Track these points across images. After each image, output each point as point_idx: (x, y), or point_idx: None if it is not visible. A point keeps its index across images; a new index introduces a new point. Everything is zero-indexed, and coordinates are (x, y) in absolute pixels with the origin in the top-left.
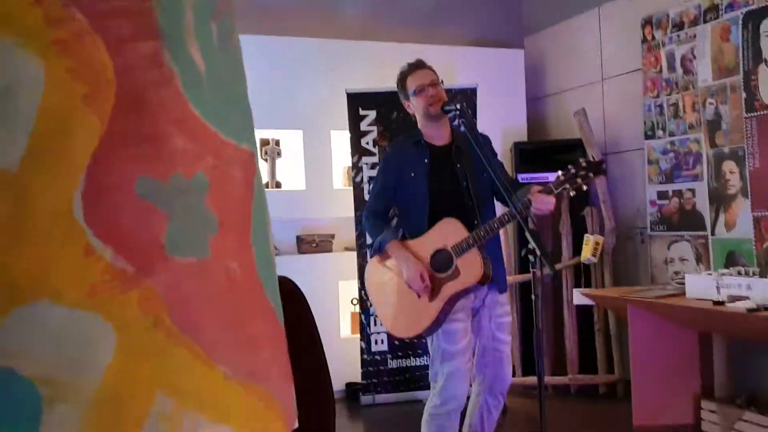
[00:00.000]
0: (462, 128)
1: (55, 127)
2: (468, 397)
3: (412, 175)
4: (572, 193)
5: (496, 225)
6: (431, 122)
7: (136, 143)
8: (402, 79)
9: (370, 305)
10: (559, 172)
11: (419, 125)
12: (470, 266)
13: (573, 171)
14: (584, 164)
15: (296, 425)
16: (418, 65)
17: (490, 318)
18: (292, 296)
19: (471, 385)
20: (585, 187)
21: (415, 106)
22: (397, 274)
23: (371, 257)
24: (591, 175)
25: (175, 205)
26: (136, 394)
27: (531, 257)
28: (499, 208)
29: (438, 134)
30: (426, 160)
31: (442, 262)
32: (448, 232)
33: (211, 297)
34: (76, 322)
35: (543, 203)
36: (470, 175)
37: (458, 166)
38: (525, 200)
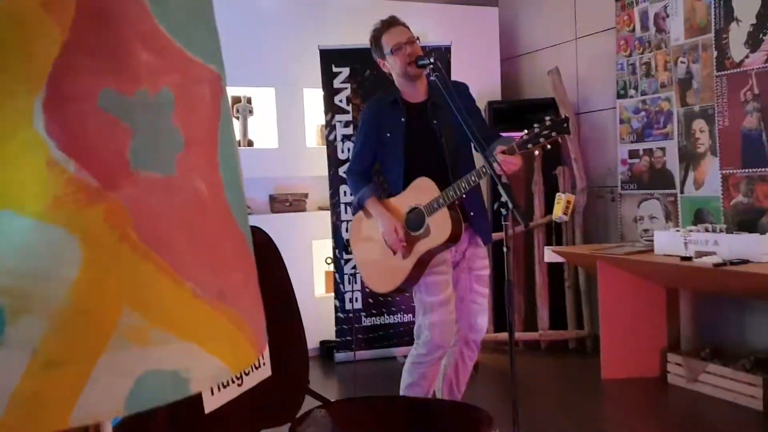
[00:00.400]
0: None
1: (14, 32)
2: None
3: (389, 135)
4: (536, 153)
5: (464, 185)
6: (409, 81)
7: (100, 55)
8: (376, 37)
9: (346, 264)
10: (525, 132)
11: (396, 83)
12: (440, 226)
13: (537, 130)
14: (548, 123)
15: (266, 349)
16: (392, 22)
17: (470, 270)
18: (265, 248)
19: (452, 338)
20: (549, 146)
21: (391, 65)
22: (375, 230)
23: (354, 214)
24: (554, 134)
25: (139, 121)
26: (103, 307)
27: (503, 210)
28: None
29: (415, 92)
30: (402, 119)
31: (415, 221)
32: (422, 191)
33: (178, 214)
34: (40, 233)
35: (507, 163)
36: (447, 131)
37: (435, 122)
38: (488, 163)
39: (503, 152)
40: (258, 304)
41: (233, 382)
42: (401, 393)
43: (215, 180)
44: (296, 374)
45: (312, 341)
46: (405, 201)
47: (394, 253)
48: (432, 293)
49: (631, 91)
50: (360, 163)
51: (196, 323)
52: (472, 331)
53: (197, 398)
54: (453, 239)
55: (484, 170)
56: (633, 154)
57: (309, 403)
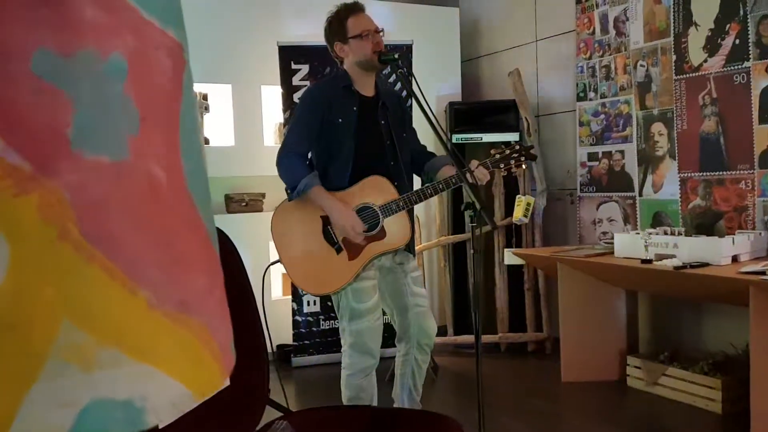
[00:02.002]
0: (397, 82)
1: None
2: (393, 358)
3: (340, 120)
4: (503, 173)
5: (429, 191)
6: (365, 72)
7: (34, 4)
8: (341, 19)
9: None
10: (493, 151)
11: (349, 72)
12: (399, 229)
13: (508, 152)
14: (518, 147)
15: (232, 365)
16: (360, 8)
17: (405, 274)
18: (225, 250)
19: (380, 345)
20: (515, 170)
21: (353, 50)
22: (312, 224)
23: (289, 200)
24: (523, 159)
25: (82, 90)
26: (36, 321)
27: (470, 212)
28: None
29: (367, 85)
30: (355, 108)
31: (367, 221)
32: (377, 190)
33: (130, 205)
34: None
35: (482, 175)
36: (394, 133)
37: (383, 122)
38: (462, 172)
39: (481, 165)
40: (225, 313)
41: None
42: None
43: (175, 166)
44: (256, 384)
45: (270, 345)
46: (353, 197)
47: (338, 252)
48: (360, 300)
49: (591, 94)
50: (301, 145)
51: (153, 340)
52: (423, 335)
53: None
54: (407, 244)
55: (453, 180)
56: (592, 156)
57: (270, 414)
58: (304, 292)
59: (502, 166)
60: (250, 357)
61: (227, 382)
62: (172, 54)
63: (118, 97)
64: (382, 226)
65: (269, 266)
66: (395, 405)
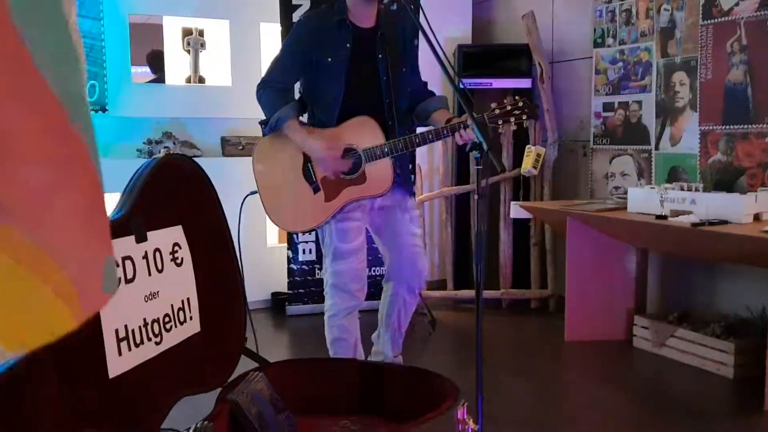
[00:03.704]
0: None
1: None
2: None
3: (329, 60)
4: (500, 131)
5: (417, 141)
6: (364, 1)
7: None
8: None
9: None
10: (494, 105)
11: (349, 4)
12: (380, 176)
13: (509, 108)
14: (521, 103)
15: (96, 304)
16: None
17: (404, 211)
18: (194, 180)
19: (364, 287)
20: (514, 127)
21: None
22: (291, 159)
23: (264, 135)
24: (525, 116)
25: None
26: None
27: (475, 153)
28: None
29: (366, 15)
30: (348, 45)
31: (349, 164)
32: (363, 132)
33: None
34: None
35: (471, 134)
36: (392, 68)
37: (380, 56)
38: (456, 124)
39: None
40: (89, 234)
41: (149, 339)
42: (330, 351)
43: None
44: (230, 331)
45: (264, 293)
46: (338, 138)
47: (315, 191)
48: (345, 239)
49: (609, 40)
50: (282, 77)
51: None
52: (414, 276)
53: (101, 359)
54: (387, 192)
55: (445, 132)
56: (607, 107)
57: (246, 365)
58: (299, 240)
59: (500, 122)
60: (224, 302)
61: (186, 317)
62: None
63: None
64: (363, 170)
65: (246, 197)
66: (375, 347)
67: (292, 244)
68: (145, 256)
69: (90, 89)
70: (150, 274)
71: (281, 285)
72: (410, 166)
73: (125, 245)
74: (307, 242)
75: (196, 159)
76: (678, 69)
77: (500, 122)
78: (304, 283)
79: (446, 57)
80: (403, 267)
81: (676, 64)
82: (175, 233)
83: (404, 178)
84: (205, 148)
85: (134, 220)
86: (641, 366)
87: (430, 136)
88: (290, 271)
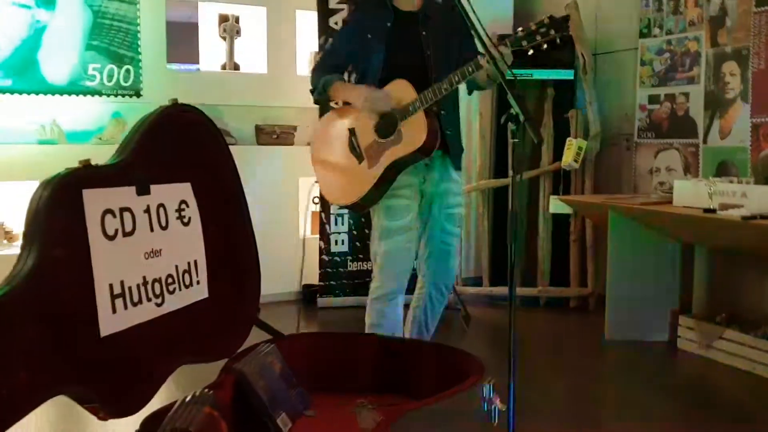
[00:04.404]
0: None
1: None
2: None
3: (369, 36)
4: (530, 52)
5: (445, 86)
6: None
7: None
8: None
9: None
10: (519, 29)
11: None
12: (414, 131)
13: (533, 27)
14: (546, 21)
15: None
16: None
17: (441, 208)
18: (203, 132)
19: (414, 269)
20: (545, 46)
21: None
22: (341, 134)
23: (318, 106)
24: (552, 32)
25: None
26: None
27: (511, 125)
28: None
29: (409, 1)
30: (388, 24)
31: (386, 127)
32: (398, 94)
33: None
34: None
35: (505, 53)
36: (435, 44)
37: (424, 33)
38: (476, 59)
39: (502, 45)
40: None
41: (148, 300)
42: None
43: None
44: (242, 299)
45: (295, 284)
46: None
47: (360, 161)
48: (391, 217)
49: (656, 30)
50: (331, 59)
51: None
52: (441, 275)
53: (93, 313)
54: (426, 148)
55: (469, 69)
56: (653, 99)
57: (258, 337)
58: (331, 231)
59: (524, 43)
60: (236, 268)
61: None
62: None
63: None
64: (400, 130)
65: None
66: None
67: (324, 235)
68: (147, 210)
69: (124, 74)
70: (152, 230)
71: (313, 277)
72: (459, 132)
73: (123, 196)
74: (339, 233)
75: (229, 146)
76: (728, 59)
77: (524, 43)
78: (336, 275)
79: (477, 17)
80: (431, 263)
81: (727, 53)
82: (183, 190)
83: (453, 142)
84: (239, 137)
85: (135, 170)
86: (686, 368)
87: (456, 78)
88: (322, 263)
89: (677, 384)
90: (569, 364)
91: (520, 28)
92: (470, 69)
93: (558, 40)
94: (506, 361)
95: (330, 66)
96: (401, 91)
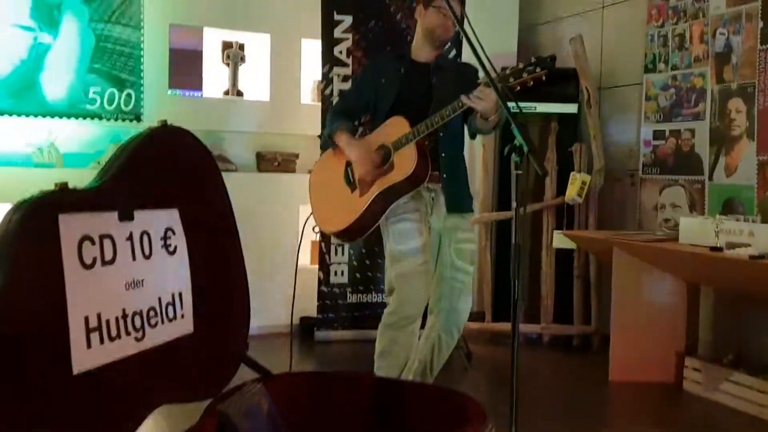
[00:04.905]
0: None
1: None
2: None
3: (383, 81)
4: (517, 88)
5: (437, 119)
6: (426, 41)
7: None
8: None
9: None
10: (506, 68)
11: (414, 43)
12: (405, 161)
13: (521, 65)
14: (533, 60)
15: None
16: None
17: (450, 242)
18: (194, 155)
19: (425, 295)
20: (531, 83)
21: (426, 20)
22: (337, 168)
23: (321, 147)
24: (538, 69)
25: None
26: None
27: (515, 156)
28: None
29: (428, 54)
30: (402, 70)
31: (380, 158)
32: (393, 129)
33: None
34: None
35: (483, 94)
36: (442, 89)
37: (434, 80)
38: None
39: (485, 84)
40: None
41: (128, 334)
42: (375, 364)
43: None
44: (229, 335)
45: (293, 317)
46: (375, 139)
47: (352, 190)
48: (402, 241)
49: (661, 65)
50: (346, 102)
51: None
52: (452, 314)
53: (66, 349)
54: (416, 176)
55: (459, 104)
56: (658, 134)
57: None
58: (331, 261)
59: (512, 80)
60: (224, 301)
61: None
62: None
63: None
64: (392, 161)
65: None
66: (402, 374)
67: (323, 265)
68: (130, 238)
69: (125, 98)
70: (134, 259)
71: (311, 309)
72: (463, 177)
73: (104, 221)
74: (339, 264)
75: (230, 173)
76: (734, 95)
77: (512, 80)
78: (335, 307)
79: (482, 47)
80: (443, 303)
81: (732, 90)
82: (170, 217)
83: (456, 191)
84: (240, 163)
85: (117, 194)
86: (692, 411)
87: (447, 112)
88: (320, 294)
89: (683, 428)
90: (573, 406)
91: (508, 68)
92: (459, 104)
93: (544, 78)
94: (508, 403)
95: (343, 110)
96: (396, 126)
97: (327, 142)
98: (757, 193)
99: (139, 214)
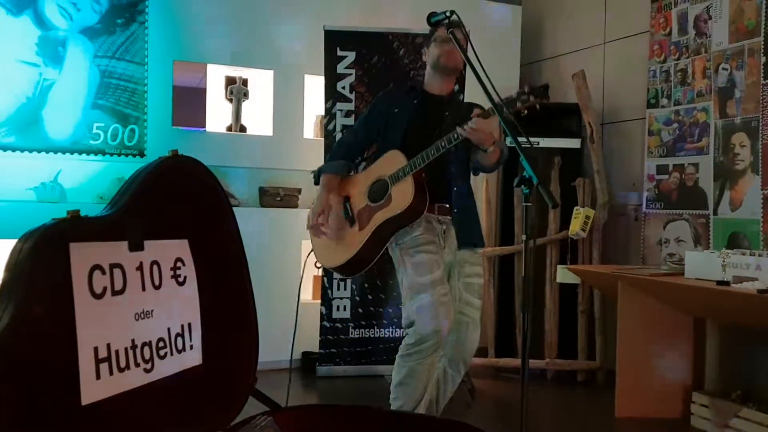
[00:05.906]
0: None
1: None
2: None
3: (395, 111)
4: (511, 118)
5: (432, 151)
6: (437, 74)
7: None
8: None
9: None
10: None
11: (425, 77)
12: (402, 194)
13: (514, 95)
14: (527, 89)
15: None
16: (458, 24)
17: (459, 276)
18: (205, 186)
19: (446, 325)
20: (525, 112)
21: (430, 54)
22: (337, 204)
23: (315, 183)
24: (532, 98)
25: None
26: None
27: (524, 188)
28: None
29: (440, 86)
30: (415, 101)
31: (378, 192)
32: (390, 162)
33: None
34: None
35: (479, 123)
36: (452, 124)
37: (446, 113)
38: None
39: (478, 116)
40: None
41: (137, 365)
42: (391, 395)
43: None
44: (238, 367)
45: (294, 352)
46: (371, 173)
47: (351, 225)
48: (422, 273)
49: (663, 101)
50: (354, 135)
51: None
52: (459, 349)
53: (74, 380)
54: (414, 209)
55: (455, 136)
56: (661, 169)
57: (254, 408)
58: (333, 296)
59: (506, 110)
60: (233, 333)
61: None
62: None
63: None
64: (390, 194)
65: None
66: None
67: (326, 300)
68: (140, 268)
69: (129, 134)
70: (144, 289)
71: (313, 344)
72: (473, 213)
73: (114, 251)
74: (342, 299)
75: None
76: (738, 130)
77: (507, 110)
78: (337, 342)
79: (486, 73)
80: (450, 337)
81: (736, 124)
82: (179, 247)
83: (466, 227)
84: (243, 198)
85: (128, 224)
86: None
87: (443, 143)
88: (323, 329)
89: None
90: None
91: (503, 97)
92: (455, 135)
93: (538, 107)
94: None
95: (348, 143)
96: (392, 160)
97: (317, 178)
98: (763, 227)
99: (149, 244)
